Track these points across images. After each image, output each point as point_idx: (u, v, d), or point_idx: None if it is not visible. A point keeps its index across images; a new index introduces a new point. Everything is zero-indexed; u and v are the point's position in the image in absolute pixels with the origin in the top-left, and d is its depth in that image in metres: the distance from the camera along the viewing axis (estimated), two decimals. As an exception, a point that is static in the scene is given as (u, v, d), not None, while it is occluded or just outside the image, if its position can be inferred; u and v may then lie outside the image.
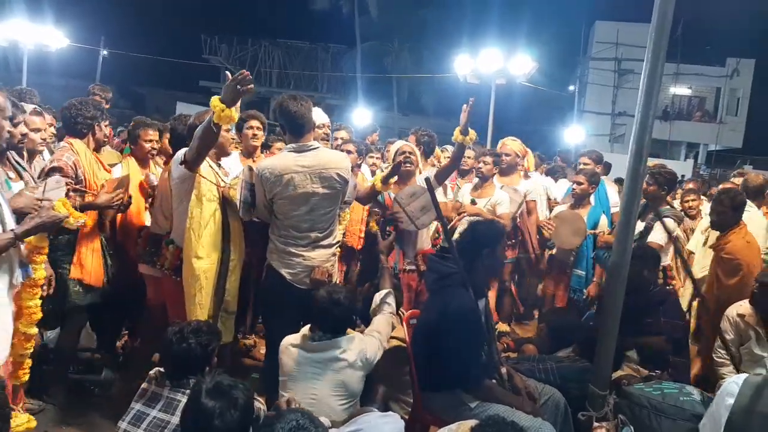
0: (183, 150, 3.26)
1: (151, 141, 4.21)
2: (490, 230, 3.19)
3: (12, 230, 2.59)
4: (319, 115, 4.27)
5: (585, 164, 6.01)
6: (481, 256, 3.06)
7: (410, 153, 4.46)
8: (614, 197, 5.58)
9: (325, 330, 2.95)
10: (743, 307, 3.87)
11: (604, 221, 5.05)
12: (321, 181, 3.37)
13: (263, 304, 3.79)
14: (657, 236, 4.58)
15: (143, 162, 4.24)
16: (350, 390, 2.87)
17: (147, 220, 4.01)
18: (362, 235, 4.79)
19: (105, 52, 22.28)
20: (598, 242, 4.88)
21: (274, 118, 3.51)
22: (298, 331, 3.06)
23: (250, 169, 3.57)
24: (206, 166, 3.37)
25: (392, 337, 3.31)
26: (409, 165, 4.39)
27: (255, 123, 4.52)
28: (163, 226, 3.60)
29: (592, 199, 5.20)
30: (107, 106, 5.60)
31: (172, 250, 3.44)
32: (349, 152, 4.84)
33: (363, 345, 2.95)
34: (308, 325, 3.06)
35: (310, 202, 3.36)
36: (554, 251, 5.23)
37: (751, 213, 5.01)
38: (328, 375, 2.84)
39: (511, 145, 5.63)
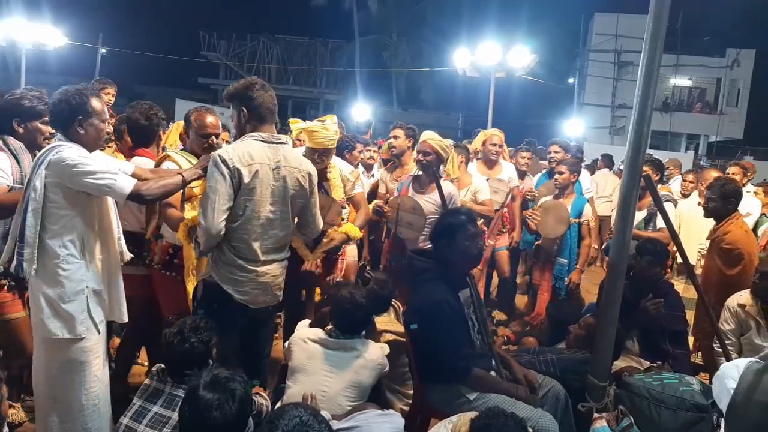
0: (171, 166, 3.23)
1: None
2: (449, 221, 3.15)
3: (180, 174, 2.95)
4: (331, 136, 3.90)
5: (555, 152, 6.05)
6: (442, 246, 3.08)
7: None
8: (586, 183, 5.76)
9: (343, 330, 3.02)
10: (744, 297, 3.87)
11: (588, 210, 5.10)
12: (285, 181, 2.96)
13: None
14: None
15: (129, 157, 4.24)
16: (362, 391, 2.91)
17: None
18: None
19: (104, 50, 22.25)
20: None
21: (234, 103, 2.98)
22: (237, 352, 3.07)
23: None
24: (187, 164, 3.29)
25: (387, 331, 3.33)
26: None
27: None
28: (133, 222, 3.51)
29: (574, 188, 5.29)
30: (110, 103, 5.60)
31: (162, 244, 3.40)
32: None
33: (381, 352, 3.03)
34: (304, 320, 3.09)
35: (270, 203, 2.93)
36: (540, 241, 5.26)
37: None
38: (344, 373, 2.88)
39: (500, 135, 5.74)
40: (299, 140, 4.40)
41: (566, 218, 4.89)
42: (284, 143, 2.99)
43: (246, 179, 2.82)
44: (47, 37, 14.91)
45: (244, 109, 2.93)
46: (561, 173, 5.14)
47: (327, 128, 3.83)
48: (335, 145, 3.99)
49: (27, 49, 14.32)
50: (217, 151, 2.88)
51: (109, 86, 5.85)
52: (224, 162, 2.79)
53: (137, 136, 3.72)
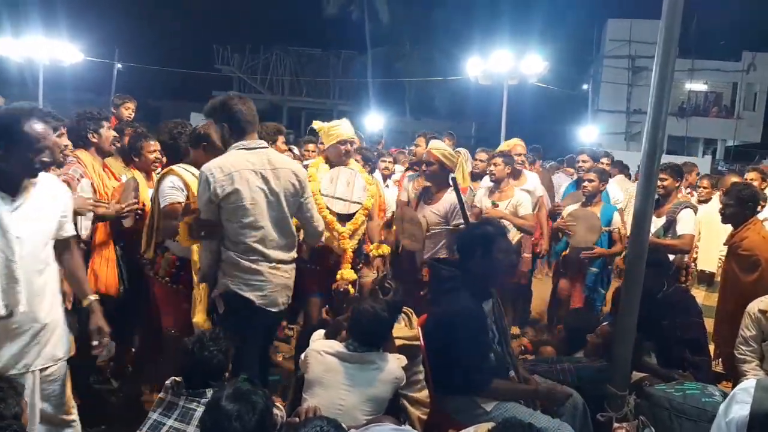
0: (174, 180, 3.30)
1: (154, 152, 4.22)
2: (483, 231, 3.11)
3: None
4: (346, 129, 4.14)
5: (584, 161, 6.00)
6: (474, 257, 3.02)
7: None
8: (615, 194, 5.67)
9: (362, 342, 2.97)
10: (765, 302, 3.79)
11: (617, 218, 5.02)
12: (274, 183, 3.00)
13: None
14: (687, 227, 4.59)
15: (148, 174, 4.27)
16: (378, 405, 2.88)
17: None
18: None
19: (119, 66, 22.53)
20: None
21: (216, 119, 3.11)
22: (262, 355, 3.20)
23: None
24: (193, 179, 3.28)
25: (397, 338, 3.30)
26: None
27: (283, 138, 4.50)
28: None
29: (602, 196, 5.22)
30: (130, 117, 5.75)
31: (168, 257, 3.41)
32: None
33: (398, 365, 2.98)
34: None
35: (264, 206, 2.98)
36: (568, 251, 5.18)
37: None
38: (362, 387, 2.85)
39: (522, 144, 5.70)
40: (322, 143, 4.49)
41: (598, 227, 4.77)
42: (266, 147, 3.08)
43: (229, 188, 2.88)
44: (64, 53, 15.17)
45: (226, 125, 3.04)
46: (590, 181, 5.04)
47: (339, 123, 4.15)
48: (353, 137, 4.18)
49: (44, 65, 14.57)
50: (202, 167, 2.97)
51: (129, 101, 6.05)
52: (206, 177, 2.90)
53: (170, 155, 3.80)
